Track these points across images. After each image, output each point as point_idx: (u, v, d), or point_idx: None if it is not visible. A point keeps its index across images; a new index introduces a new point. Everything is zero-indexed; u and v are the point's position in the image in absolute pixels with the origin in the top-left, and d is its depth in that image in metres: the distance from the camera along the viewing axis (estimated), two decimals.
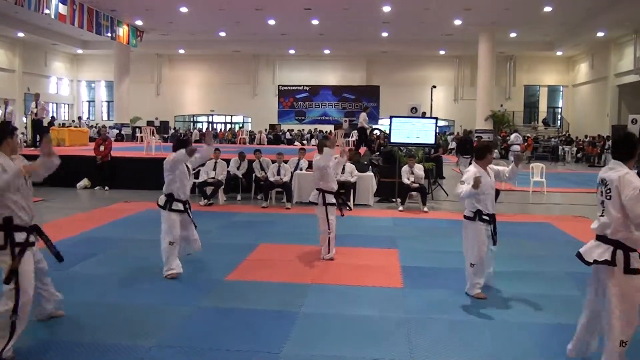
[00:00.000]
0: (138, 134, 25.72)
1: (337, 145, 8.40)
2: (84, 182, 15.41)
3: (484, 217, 6.15)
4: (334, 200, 7.98)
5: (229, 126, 43.63)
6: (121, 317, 5.41)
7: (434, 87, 27.55)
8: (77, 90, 44.94)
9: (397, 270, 7.40)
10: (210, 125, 44.55)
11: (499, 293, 6.41)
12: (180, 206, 6.95)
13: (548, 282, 6.93)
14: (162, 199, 6.96)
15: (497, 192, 12.60)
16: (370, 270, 7.36)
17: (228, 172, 13.68)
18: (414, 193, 12.95)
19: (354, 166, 13.29)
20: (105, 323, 5.24)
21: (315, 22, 30.55)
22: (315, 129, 39.26)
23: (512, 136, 26.35)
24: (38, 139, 19.24)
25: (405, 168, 13.00)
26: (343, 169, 12.96)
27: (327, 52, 39.45)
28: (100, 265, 7.32)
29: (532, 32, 32.19)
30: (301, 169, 13.75)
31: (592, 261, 4.19)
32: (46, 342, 4.79)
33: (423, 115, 18.12)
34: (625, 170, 4.10)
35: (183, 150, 6.71)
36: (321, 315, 5.62)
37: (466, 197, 6.00)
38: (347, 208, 8.37)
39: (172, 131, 37.57)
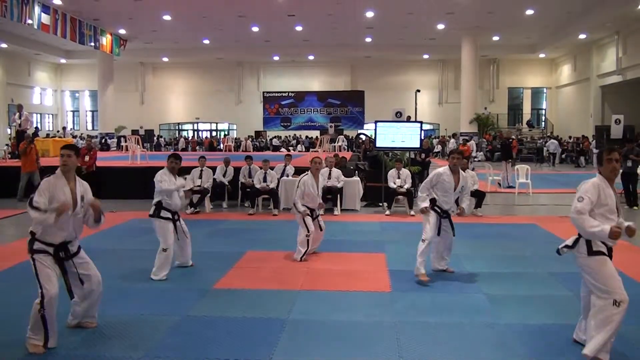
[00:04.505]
0: (123, 143, 25.60)
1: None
2: None
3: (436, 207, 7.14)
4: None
5: (213, 134, 43.56)
6: (110, 328, 5.37)
7: (418, 91, 27.71)
8: (61, 101, 44.68)
9: (385, 274, 7.42)
10: (195, 132, 44.46)
11: (485, 294, 6.44)
12: (169, 215, 7.19)
13: (534, 283, 6.97)
14: (152, 209, 7.29)
15: (483, 194, 12.73)
16: (358, 275, 7.36)
17: (214, 179, 13.65)
18: (400, 197, 12.99)
19: (340, 171, 13.31)
20: (94, 334, 5.21)
21: (299, 28, 30.64)
22: (295, 135, 39.23)
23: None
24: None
25: (391, 172, 13.05)
26: (330, 174, 13.00)
27: (311, 58, 39.52)
28: None
29: (514, 35, 32.51)
30: (287, 176, 13.75)
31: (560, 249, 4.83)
32: (31, 357, 4.74)
33: (408, 120, 18.17)
34: (593, 178, 4.67)
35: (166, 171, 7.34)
36: (310, 321, 5.62)
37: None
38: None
39: (156, 140, 37.45)
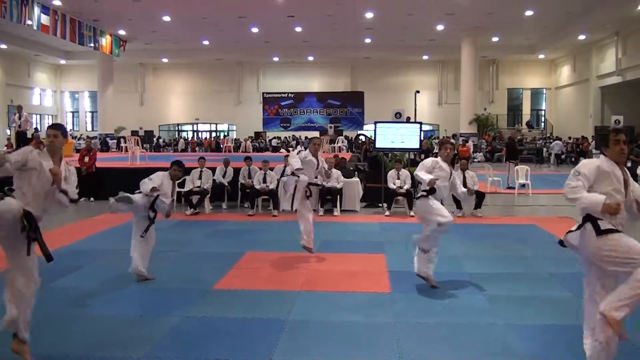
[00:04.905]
0: (123, 144, 25.60)
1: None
2: None
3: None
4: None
5: (213, 134, 43.59)
6: (110, 329, 5.38)
7: (418, 92, 27.71)
8: (60, 101, 44.69)
9: (385, 275, 7.41)
10: (195, 133, 44.47)
11: (485, 295, 6.44)
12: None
13: (533, 284, 6.97)
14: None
15: (482, 195, 12.73)
16: (358, 276, 7.36)
17: (214, 180, 13.64)
18: (400, 198, 12.99)
19: (340, 172, 13.32)
20: (94, 335, 5.21)
21: (298, 29, 30.66)
22: (295, 136, 39.19)
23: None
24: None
25: (391, 173, 13.06)
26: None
27: (311, 58, 39.55)
28: (86, 278, 7.25)
29: (514, 36, 32.55)
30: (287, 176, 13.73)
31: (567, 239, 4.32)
32: (34, 356, 4.73)
33: (407, 120, 18.18)
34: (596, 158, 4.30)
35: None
36: (309, 322, 5.62)
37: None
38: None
39: (156, 141, 37.47)
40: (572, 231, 4.30)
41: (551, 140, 34.58)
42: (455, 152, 23.32)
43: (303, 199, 8.13)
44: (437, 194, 6.55)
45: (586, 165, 4.21)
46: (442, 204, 6.64)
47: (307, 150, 8.40)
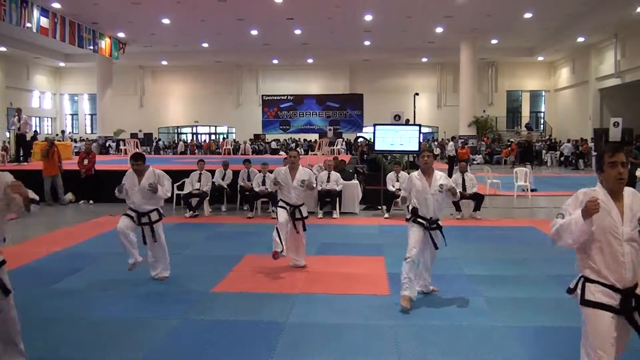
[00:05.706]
0: (122, 147, 25.60)
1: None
2: (69, 196, 15.28)
3: (419, 219, 6.30)
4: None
5: (212, 137, 43.62)
6: (108, 331, 5.38)
7: (417, 94, 27.70)
8: (59, 104, 44.68)
9: (384, 277, 7.42)
10: (194, 136, 44.49)
11: (483, 297, 6.44)
12: (133, 214, 7.06)
13: (532, 286, 6.98)
14: None
15: (481, 197, 12.73)
16: (357, 278, 7.36)
17: (213, 182, 13.64)
18: (399, 200, 12.97)
19: (339, 175, 13.33)
20: (93, 338, 5.21)
21: (298, 31, 30.67)
22: (294, 138, 39.16)
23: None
24: (22, 154, 19.15)
25: (390, 175, 13.07)
26: (329, 177, 13.03)
27: (310, 61, 39.59)
28: (86, 280, 7.25)
29: (513, 38, 32.55)
30: None
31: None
32: (33, 358, 4.73)
33: (406, 123, 18.19)
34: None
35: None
36: (308, 324, 5.62)
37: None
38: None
39: (155, 143, 37.51)
40: (570, 289, 3.62)
41: (550, 142, 34.61)
42: (455, 154, 23.37)
43: (290, 231, 7.76)
44: (420, 210, 6.32)
45: (569, 200, 3.52)
46: (432, 219, 6.33)
47: (285, 167, 7.89)
